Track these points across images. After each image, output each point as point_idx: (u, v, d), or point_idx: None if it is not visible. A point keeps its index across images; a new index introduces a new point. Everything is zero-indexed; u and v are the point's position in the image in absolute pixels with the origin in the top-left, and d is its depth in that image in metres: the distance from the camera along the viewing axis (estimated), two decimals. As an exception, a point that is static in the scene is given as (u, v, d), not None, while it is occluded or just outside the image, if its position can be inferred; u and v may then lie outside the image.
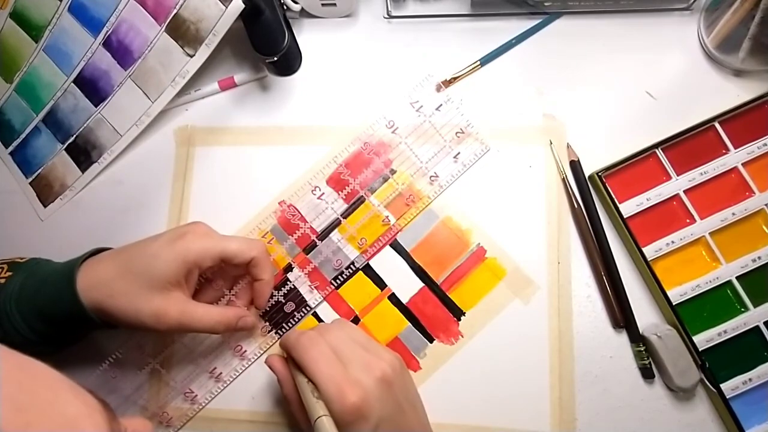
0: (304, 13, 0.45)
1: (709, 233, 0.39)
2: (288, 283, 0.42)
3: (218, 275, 0.39)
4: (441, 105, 0.43)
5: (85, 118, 0.45)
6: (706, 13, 0.42)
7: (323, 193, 0.42)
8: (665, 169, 0.40)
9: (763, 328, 0.38)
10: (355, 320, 0.41)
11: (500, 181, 0.42)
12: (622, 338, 0.39)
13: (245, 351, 0.41)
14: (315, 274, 0.42)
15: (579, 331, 0.39)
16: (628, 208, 0.39)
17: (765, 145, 0.39)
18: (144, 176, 0.45)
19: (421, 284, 0.41)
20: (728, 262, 0.38)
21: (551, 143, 0.42)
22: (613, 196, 0.39)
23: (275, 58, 0.40)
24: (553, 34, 0.44)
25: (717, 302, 0.38)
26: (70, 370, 0.41)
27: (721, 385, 0.37)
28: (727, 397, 0.37)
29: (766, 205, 0.39)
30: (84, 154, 0.45)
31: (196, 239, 0.35)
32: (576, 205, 0.40)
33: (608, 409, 0.38)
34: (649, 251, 0.39)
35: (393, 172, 0.42)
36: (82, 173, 0.45)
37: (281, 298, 0.41)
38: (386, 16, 0.45)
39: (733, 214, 0.39)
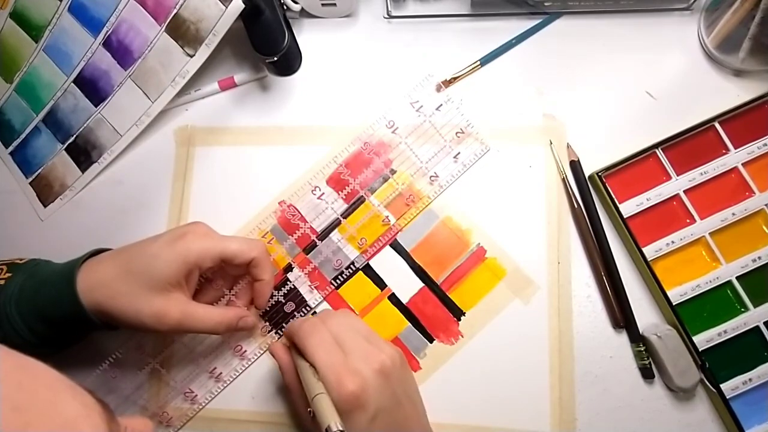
0: (304, 13, 0.45)
1: (709, 233, 0.39)
2: (288, 283, 0.42)
3: (218, 275, 0.39)
4: (441, 105, 0.43)
5: (85, 118, 0.45)
6: (706, 13, 0.42)
7: (323, 193, 0.42)
8: (665, 169, 0.40)
9: (763, 328, 0.38)
10: (355, 320, 0.41)
11: (500, 181, 0.42)
12: (622, 338, 0.39)
13: (245, 351, 0.41)
14: (315, 274, 0.42)
15: (579, 331, 0.39)
16: (628, 208, 0.39)
17: (765, 145, 0.39)
18: (144, 176, 0.45)
19: (421, 284, 0.41)
20: (728, 262, 0.38)
21: (551, 143, 0.42)
22: (613, 196, 0.39)
23: (275, 58, 0.40)
24: (553, 34, 0.44)
25: (717, 302, 0.38)
26: (70, 370, 0.41)
27: (721, 385, 0.37)
28: (727, 397, 0.37)
29: (766, 205, 0.39)
30: (84, 154, 0.45)
31: (197, 239, 0.35)
32: (576, 205, 0.40)
33: (608, 409, 0.38)
34: (649, 251, 0.39)
35: (393, 172, 0.42)
36: (82, 173, 0.45)
37: (281, 298, 0.41)
38: (386, 16, 0.45)
39: (733, 214, 0.39)
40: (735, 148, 0.39)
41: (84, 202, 0.45)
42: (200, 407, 0.41)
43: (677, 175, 0.40)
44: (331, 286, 0.41)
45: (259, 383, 0.41)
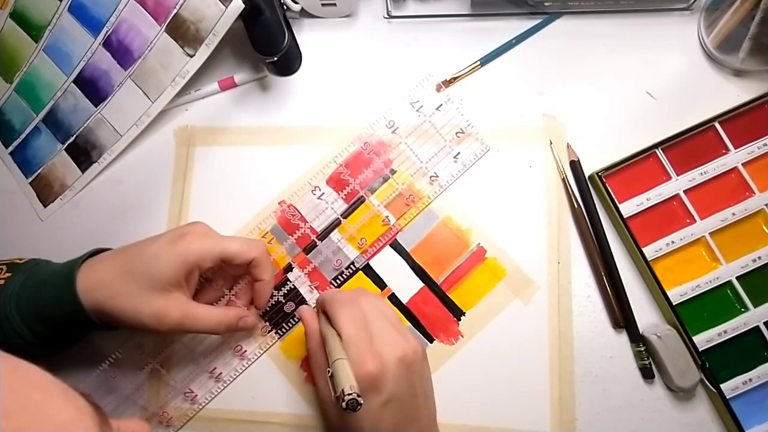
0: (304, 13, 0.45)
1: (709, 233, 0.39)
2: (288, 283, 0.42)
3: (218, 275, 0.40)
4: (441, 105, 0.43)
5: (85, 118, 0.45)
6: (706, 13, 0.42)
7: (323, 193, 0.42)
8: (665, 169, 0.40)
9: (763, 328, 0.38)
10: (355, 320, 0.41)
11: (500, 181, 0.42)
12: (622, 338, 0.39)
13: (245, 351, 0.41)
14: (315, 274, 0.42)
15: (579, 331, 0.39)
16: (628, 208, 0.39)
17: (765, 145, 0.39)
18: (144, 176, 0.45)
19: (421, 284, 0.41)
20: (728, 262, 0.38)
21: (551, 143, 0.42)
22: (613, 196, 0.39)
23: (275, 58, 0.40)
24: (553, 34, 0.44)
25: (717, 302, 0.38)
26: (69, 371, 0.42)
27: (721, 385, 0.37)
28: (727, 397, 0.37)
29: (766, 205, 0.39)
30: (84, 154, 0.45)
31: (197, 240, 0.35)
32: (576, 205, 0.40)
33: (608, 409, 0.38)
34: (649, 251, 0.39)
35: (393, 172, 0.42)
36: (82, 173, 0.45)
37: (281, 298, 0.41)
38: (386, 16, 0.45)
39: (733, 214, 0.39)
40: (735, 148, 0.39)
41: (84, 202, 0.45)
42: (200, 407, 0.41)
43: (677, 175, 0.40)
44: (331, 286, 0.41)
45: (259, 383, 0.41)
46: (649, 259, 0.38)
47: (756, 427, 0.37)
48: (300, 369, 0.41)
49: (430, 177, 0.42)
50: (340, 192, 0.42)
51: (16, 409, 0.17)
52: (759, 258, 0.38)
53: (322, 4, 0.44)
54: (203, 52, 0.40)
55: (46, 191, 0.46)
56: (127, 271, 0.34)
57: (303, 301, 0.41)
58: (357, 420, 0.30)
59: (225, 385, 0.41)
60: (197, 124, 0.45)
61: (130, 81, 0.42)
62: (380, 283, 0.41)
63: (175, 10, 0.39)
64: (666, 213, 0.40)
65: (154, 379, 0.42)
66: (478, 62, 0.43)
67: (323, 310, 0.35)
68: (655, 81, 0.42)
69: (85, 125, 0.45)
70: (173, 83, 0.41)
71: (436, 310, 0.41)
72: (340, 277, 0.41)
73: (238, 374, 0.41)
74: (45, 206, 0.46)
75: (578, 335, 0.39)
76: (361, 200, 0.42)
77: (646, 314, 0.39)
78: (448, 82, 0.43)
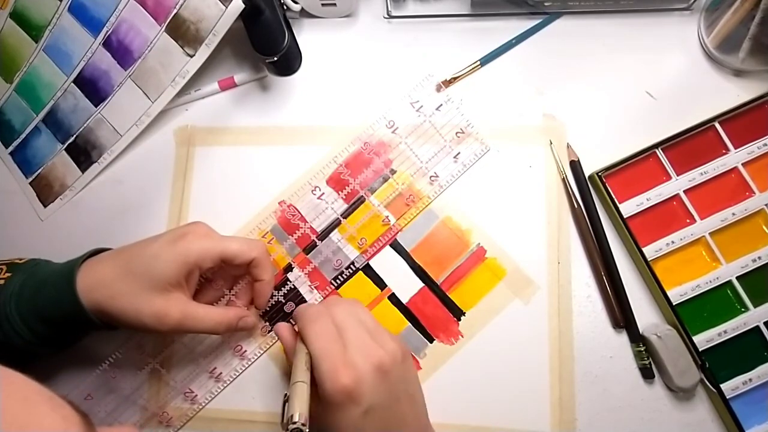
0: (304, 13, 0.45)
1: (709, 233, 0.39)
2: (288, 283, 0.42)
3: (218, 275, 0.40)
4: (441, 105, 0.43)
5: (85, 118, 0.45)
6: (706, 13, 0.42)
7: (323, 193, 0.42)
8: (665, 169, 0.40)
9: (763, 328, 0.38)
10: (355, 320, 0.41)
11: (500, 181, 0.42)
12: (622, 338, 0.39)
13: (245, 351, 0.41)
14: (315, 274, 0.42)
15: (579, 331, 0.39)
16: (628, 208, 0.39)
17: (765, 145, 0.39)
18: (144, 176, 0.45)
19: (421, 284, 0.41)
20: (728, 262, 0.38)
21: (551, 143, 0.42)
22: (613, 196, 0.39)
23: (275, 58, 0.40)
24: (553, 34, 0.44)
25: (717, 302, 0.38)
26: (69, 371, 0.42)
27: (721, 385, 0.37)
28: (727, 397, 0.37)
29: (766, 205, 0.39)
30: (84, 154, 0.45)
31: (197, 240, 0.35)
32: (576, 205, 0.40)
33: (608, 409, 0.38)
34: (649, 251, 0.39)
35: (393, 172, 0.42)
36: (82, 173, 0.45)
37: (281, 298, 0.41)
38: (386, 16, 0.45)
39: (733, 214, 0.39)
40: (735, 148, 0.39)
41: (84, 202, 0.45)
42: (200, 407, 0.41)
43: (677, 175, 0.40)
44: (331, 286, 0.41)
45: (259, 383, 0.41)
46: (649, 259, 0.38)
47: (756, 427, 0.37)
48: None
49: (430, 177, 0.42)
50: (340, 192, 0.42)
51: (2, 418, 0.17)
52: (759, 258, 0.38)
53: (322, 4, 0.44)
54: (203, 52, 0.40)
55: (46, 191, 0.46)
56: (127, 271, 0.34)
57: (303, 301, 0.41)
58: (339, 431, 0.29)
59: (225, 385, 0.41)
60: (197, 124, 0.45)
61: (130, 81, 0.42)
62: (380, 283, 0.41)
63: (175, 10, 0.39)
64: (666, 213, 0.40)
65: (154, 379, 0.42)
66: (478, 62, 0.43)
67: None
68: (655, 81, 0.42)
69: (85, 125, 0.45)
70: (173, 83, 0.41)
71: (436, 310, 0.41)
72: (340, 277, 0.41)
73: (238, 374, 0.41)
74: (45, 206, 0.46)
75: (578, 335, 0.39)
76: (361, 200, 0.42)
77: (646, 314, 0.39)
78: (448, 82, 0.43)
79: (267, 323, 0.41)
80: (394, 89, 0.43)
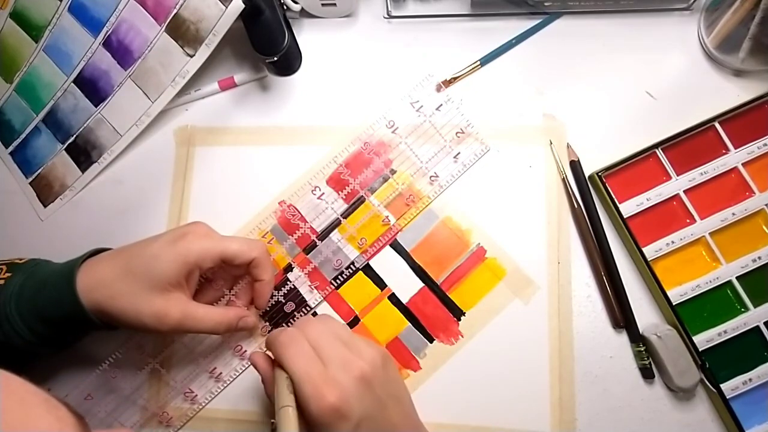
0: (304, 13, 0.45)
1: (709, 233, 0.39)
2: (288, 283, 0.42)
3: (218, 275, 0.40)
4: (441, 105, 0.43)
5: (85, 118, 0.45)
6: (706, 13, 0.42)
7: (323, 193, 0.42)
8: (665, 169, 0.40)
9: (763, 328, 0.38)
10: (355, 320, 0.41)
11: (500, 181, 0.42)
12: (622, 338, 0.39)
13: (245, 351, 0.41)
14: (315, 274, 0.42)
15: (579, 331, 0.39)
16: (628, 208, 0.39)
17: (765, 145, 0.39)
18: (144, 176, 0.45)
19: (421, 284, 0.41)
20: (728, 262, 0.38)
21: (551, 143, 0.42)
22: (613, 196, 0.39)
23: (275, 58, 0.40)
24: (553, 34, 0.44)
25: (717, 302, 0.38)
26: (69, 371, 0.42)
27: (721, 385, 0.37)
28: (727, 397, 0.37)
29: (766, 205, 0.39)
30: (84, 154, 0.45)
31: (197, 240, 0.35)
32: (576, 205, 0.40)
33: (608, 409, 0.38)
34: (649, 251, 0.39)
35: (393, 172, 0.42)
36: (82, 173, 0.45)
37: (281, 298, 0.41)
38: (386, 16, 0.45)
39: (733, 214, 0.39)
40: (735, 148, 0.39)
41: (84, 202, 0.45)
42: (200, 407, 0.41)
43: (677, 175, 0.40)
44: (331, 286, 0.41)
45: (259, 383, 0.41)
46: (649, 259, 0.38)
47: (756, 427, 0.37)
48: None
49: (430, 177, 0.42)
50: (340, 192, 0.42)
51: (0, 419, 0.17)
52: (759, 258, 0.38)
53: (322, 4, 0.44)
54: (203, 52, 0.40)
55: (46, 191, 0.46)
56: (127, 271, 0.34)
57: (303, 301, 0.41)
58: None
59: (225, 385, 0.41)
60: (197, 124, 0.45)
61: (130, 81, 0.42)
62: (380, 283, 0.41)
63: (175, 10, 0.39)
64: (666, 213, 0.40)
65: (154, 379, 0.42)
66: (478, 62, 0.43)
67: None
68: (655, 81, 0.42)
69: (85, 125, 0.45)
70: (173, 83, 0.41)
71: (436, 310, 0.41)
72: (340, 277, 0.41)
73: (238, 374, 0.41)
74: (45, 206, 0.46)
75: (578, 335, 0.39)
76: (361, 200, 0.42)
77: (646, 314, 0.39)
78: (448, 82, 0.43)
79: (267, 323, 0.41)
80: (394, 89, 0.43)
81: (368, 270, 0.42)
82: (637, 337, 0.38)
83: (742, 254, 0.38)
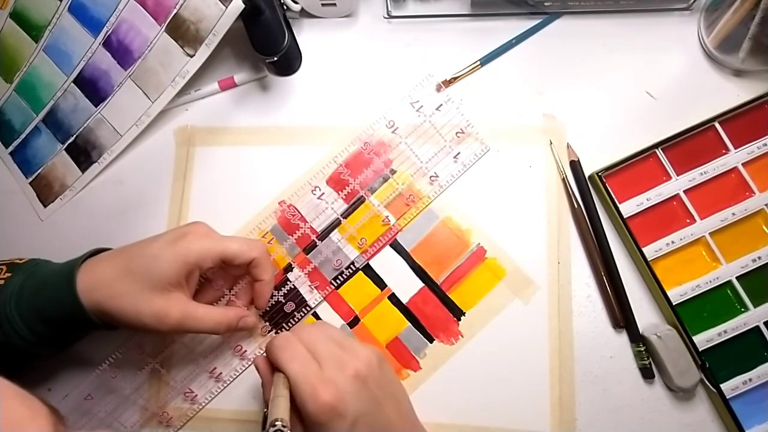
0: (304, 13, 0.45)
1: (709, 233, 0.39)
2: (288, 283, 0.42)
3: (218, 275, 0.39)
4: (441, 105, 0.43)
5: (85, 118, 0.45)
6: (706, 13, 0.42)
7: (323, 193, 0.42)
8: (665, 169, 0.40)
9: (763, 328, 0.38)
10: (355, 320, 0.41)
11: (500, 181, 0.42)
12: (622, 338, 0.39)
13: (245, 351, 0.41)
14: (315, 274, 0.42)
15: (579, 331, 0.39)
16: (628, 208, 0.39)
17: (765, 145, 0.39)
18: (144, 176, 0.45)
19: (421, 284, 0.41)
20: (728, 262, 0.38)
21: (551, 143, 0.42)
22: (613, 196, 0.39)
23: (275, 58, 0.40)
24: (553, 34, 0.44)
25: (717, 302, 0.38)
26: (69, 371, 0.42)
27: (721, 385, 0.37)
28: (727, 397, 0.37)
29: (766, 205, 0.39)
30: (84, 154, 0.45)
31: (197, 240, 0.35)
32: (576, 205, 0.40)
33: (608, 409, 0.38)
34: (649, 251, 0.39)
35: (393, 172, 0.42)
36: (82, 173, 0.45)
37: (281, 298, 0.41)
38: (386, 16, 0.45)
39: (733, 214, 0.39)
40: (735, 148, 0.39)
41: (84, 202, 0.45)
42: (200, 407, 0.41)
43: (677, 175, 0.40)
44: (331, 286, 0.41)
45: (259, 383, 0.41)
46: (649, 259, 0.38)
47: (756, 427, 0.37)
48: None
49: (430, 177, 0.42)
50: (340, 192, 0.42)
51: None
52: (759, 258, 0.38)
53: (322, 4, 0.44)
54: (203, 52, 0.40)
55: (46, 191, 0.46)
56: (127, 271, 0.34)
57: (303, 301, 0.41)
58: None
59: (225, 385, 0.41)
60: (197, 124, 0.45)
61: (130, 81, 0.42)
62: (380, 283, 0.41)
63: (175, 10, 0.39)
64: (666, 213, 0.40)
65: (154, 379, 0.42)
66: (478, 62, 0.43)
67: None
68: (655, 81, 0.42)
69: (85, 125, 0.45)
70: (173, 83, 0.41)
71: (436, 310, 0.41)
72: (340, 277, 0.41)
73: (238, 374, 0.41)
74: (45, 206, 0.46)
75: (578, 335, 0.39)
76: (361, 200, 0.42)
77: (646, 314, 0.39)
78: (448, 82, 0.43)
79: (267, 323, 0.41)
80: (394, 89, 0.43)
81: (368, 270, 0.42)
82: (637, 337, 0.38)
83: (742, 254, 0.38)
